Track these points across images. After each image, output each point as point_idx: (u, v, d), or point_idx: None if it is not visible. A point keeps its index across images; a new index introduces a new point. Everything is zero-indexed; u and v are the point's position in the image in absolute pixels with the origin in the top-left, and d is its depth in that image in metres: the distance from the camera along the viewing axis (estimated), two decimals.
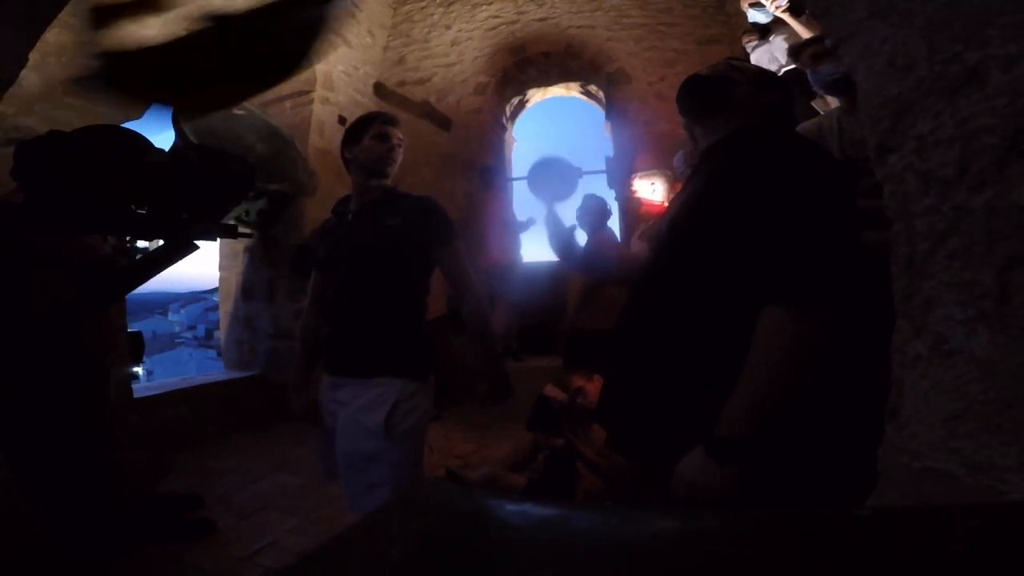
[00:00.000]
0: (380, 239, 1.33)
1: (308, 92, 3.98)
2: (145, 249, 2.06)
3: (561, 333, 3.06)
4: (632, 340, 0.98)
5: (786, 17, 2.64)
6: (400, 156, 1.40)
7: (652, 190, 2.98)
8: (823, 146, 1.59)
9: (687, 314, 0.88)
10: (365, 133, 1.37)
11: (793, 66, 2.65)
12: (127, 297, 2.24)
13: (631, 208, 3.78)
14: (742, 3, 3.19)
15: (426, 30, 4.71)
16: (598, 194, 3.27)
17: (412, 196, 1.41)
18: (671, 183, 2.88)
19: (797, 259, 0.78)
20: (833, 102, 1.93)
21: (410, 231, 1.32)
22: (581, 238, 3.18)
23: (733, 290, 0.82)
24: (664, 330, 0.92)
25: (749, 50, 3.18)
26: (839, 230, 0.80)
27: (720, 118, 1.00)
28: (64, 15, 2.08)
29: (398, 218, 1.33)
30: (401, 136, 1.40)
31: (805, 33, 2.50)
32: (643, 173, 3.10)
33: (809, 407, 0.80)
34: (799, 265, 0.77)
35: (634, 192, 3.11)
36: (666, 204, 2.66)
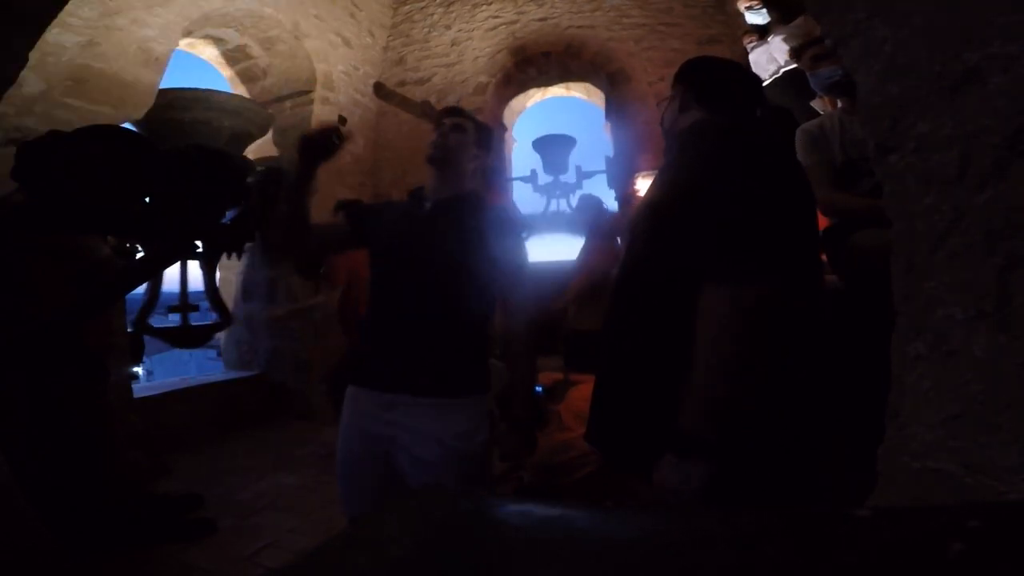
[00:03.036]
0: (462, 244, 1.20)
1: (308, 92, 3.97)
2: (145, 249, 2.06)
3: (561, 333, 3.06)
4: (612, 336, 0.98)
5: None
6: (447, 145, 1.25)
7: None
8: (825, 146, 1.60)
9: (652, 305, 0.88)
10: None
11: (792, 66, 2.65)
12: (127, 297, 2.24)
13: (632, 208, 3.78)
14: (739, 4, 3.20)
15: (426, 30, 4.71)
16: (595, 194, 3.28)
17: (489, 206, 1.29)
18: None
19: (722, 237, 0.78)
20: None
21: (485, 238, 1.20)
22: (580, 239, 3.19)
23: (688, 276, 0.82)
24: (635, 324, 0.91)
25: (749, 50, 3.18)
26: (764, 203, 0.79)
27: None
28: (64, 15, 2.09)
29: (476, 220, 1.21)
30: (456, 123, 1.27)
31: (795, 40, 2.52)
32: (648, 173, 3.10)
33: (784, 402, 0.78)
34: (725, 242, 0.78)
35: (638, 191, 3.11)
36: None
